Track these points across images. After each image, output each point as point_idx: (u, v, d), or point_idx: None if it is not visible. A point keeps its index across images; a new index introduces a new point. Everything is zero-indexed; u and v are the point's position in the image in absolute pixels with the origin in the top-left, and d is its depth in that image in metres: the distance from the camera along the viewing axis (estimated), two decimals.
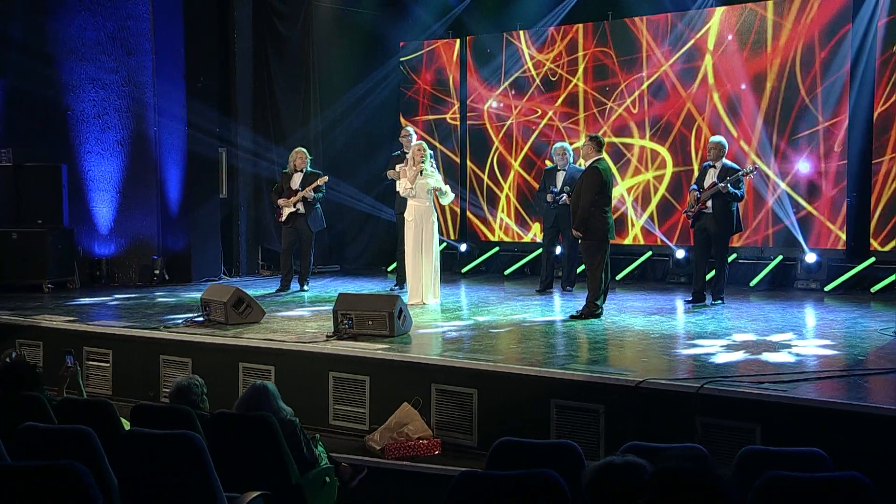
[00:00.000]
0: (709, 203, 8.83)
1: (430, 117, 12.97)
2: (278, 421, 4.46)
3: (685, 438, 5.15)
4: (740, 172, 8.82)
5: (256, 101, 12.64)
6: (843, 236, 10.14)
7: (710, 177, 8.90)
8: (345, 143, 13.00)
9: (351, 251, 13.35)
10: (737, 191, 8.77)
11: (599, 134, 8.74)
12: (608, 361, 6.49)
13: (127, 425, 4.66)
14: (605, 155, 8.40)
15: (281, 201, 10.35)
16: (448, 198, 9.39)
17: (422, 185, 9.18)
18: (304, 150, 10.53)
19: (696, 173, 9.79)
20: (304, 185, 10.26)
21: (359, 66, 13.09)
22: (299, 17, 12.73)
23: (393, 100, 13.28)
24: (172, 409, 4.71)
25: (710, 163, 8.97)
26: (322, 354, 6.97)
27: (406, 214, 9.30)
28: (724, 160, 8.98)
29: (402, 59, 13.16)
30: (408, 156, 9.82)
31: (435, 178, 9.30)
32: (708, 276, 9.15)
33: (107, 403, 4.77)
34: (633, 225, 11.48)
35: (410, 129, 10.68)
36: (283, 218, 10.36)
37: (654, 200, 11.33)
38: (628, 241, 11.52)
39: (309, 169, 10.40)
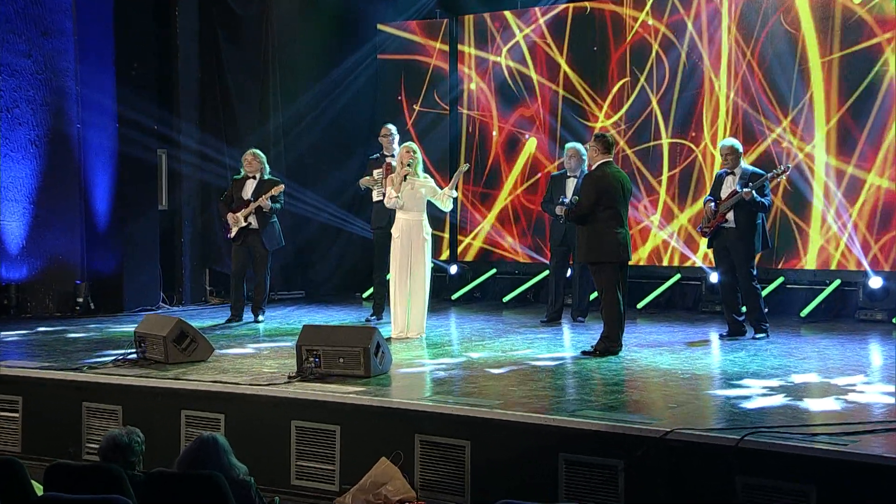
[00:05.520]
0: (729, 215, 8.84)
1: (420, 109, 13.00)
2: (229, 481, 4.46)
3: (722, 502, 5.12)
4: (768, 174, 8.84)
5: (204, 93, 12.65)
6: None
7: (729, 185, 8.92)
8: (311, 145, 13.01)
9: (318, 273, 13.34)
10: (763, 198, 8.80)
11: (608, 133, 8.75)
12: (628, 407, 6.48)
13: (40, 490, 4.61)
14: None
15: (229, 215, 10.31)
16: (448, 205, 9.40)
17: (410, 194, 9.13)
18: (259, 151, 10.50)
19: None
20: (257, 194, 10.23)
21: (328, 52, 13.15)
22: None
23: (369, 93, 13.32)
24: (97, 468, 4.68)
25: (727, 169, 9.00)
26: (283, 399, 6.94)
27: (392, 230, 9.25)
28: (744, 164, 9.03)
29: (380, 43, 13.18)
30: (390, 160, 9.79)
31: (431, 185, 9.28)
32: (743, 308, 9.14)
33: (14, 463, 4.71)
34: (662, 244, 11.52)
35: (392, 127, 10.55)
36: (233, 234, 10.32)
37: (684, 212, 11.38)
38: (651, 261, 11.54)
39: (267, 176, 10.37)
